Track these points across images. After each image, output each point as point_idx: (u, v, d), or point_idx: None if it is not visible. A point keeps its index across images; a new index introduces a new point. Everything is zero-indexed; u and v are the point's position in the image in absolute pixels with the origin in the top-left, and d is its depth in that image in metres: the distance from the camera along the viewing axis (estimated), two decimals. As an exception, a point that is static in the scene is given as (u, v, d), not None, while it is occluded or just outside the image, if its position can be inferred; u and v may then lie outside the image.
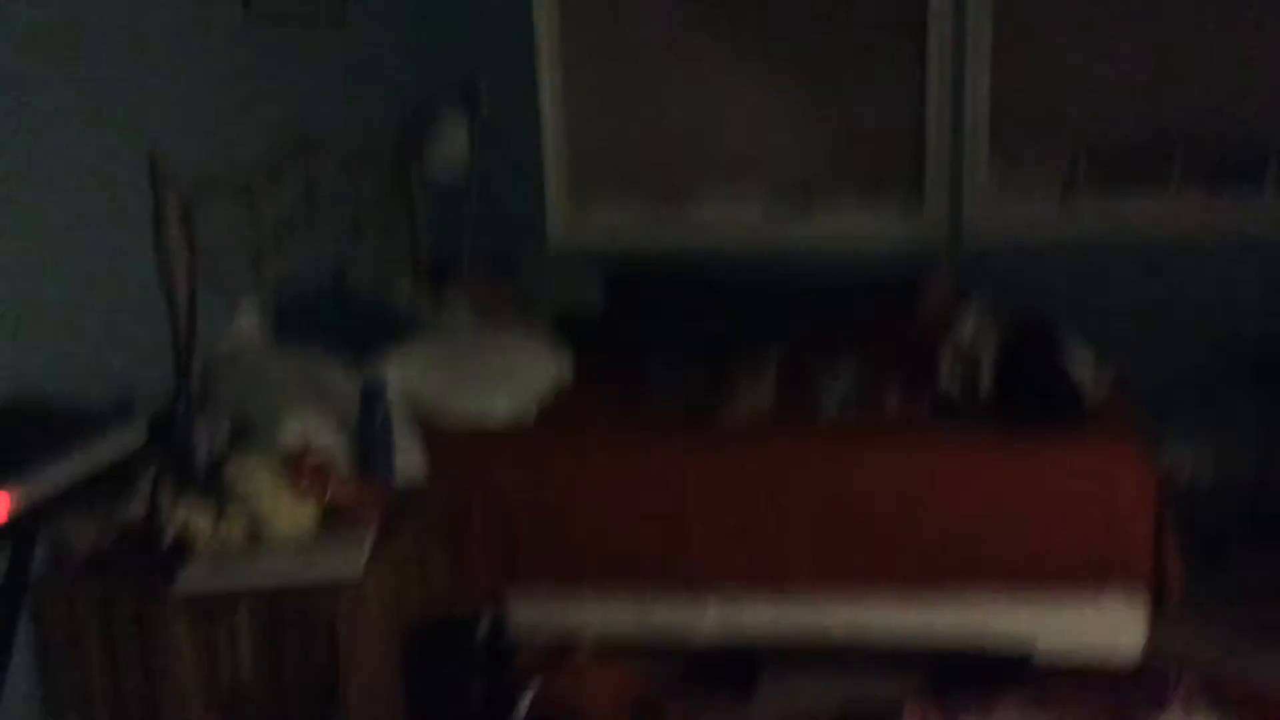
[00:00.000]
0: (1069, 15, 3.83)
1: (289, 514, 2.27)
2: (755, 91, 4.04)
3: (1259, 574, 3.31)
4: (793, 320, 3.51)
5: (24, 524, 1.66)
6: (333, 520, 2.32)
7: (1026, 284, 3.84)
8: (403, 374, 2.88)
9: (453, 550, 2.68)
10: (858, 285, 3.84)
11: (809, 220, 4.11)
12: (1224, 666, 2.69)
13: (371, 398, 2.47)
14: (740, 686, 2.81)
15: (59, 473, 1.70)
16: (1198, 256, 3.86)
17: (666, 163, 4.13)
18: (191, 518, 2.20)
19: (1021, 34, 3.85)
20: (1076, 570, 2.68)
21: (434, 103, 3.89)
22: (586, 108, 4.13)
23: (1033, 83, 3.89)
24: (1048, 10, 3.84)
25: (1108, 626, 2.72)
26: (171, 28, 2.65)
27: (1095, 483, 2.66)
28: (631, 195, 4.17)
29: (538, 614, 2.82)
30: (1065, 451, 2.71)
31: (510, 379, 2.98)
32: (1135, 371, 3.25)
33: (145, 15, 2.55)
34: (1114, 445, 2.72)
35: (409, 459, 2.63)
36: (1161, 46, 3.80)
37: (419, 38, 4.01)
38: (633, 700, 2.52)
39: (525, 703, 2.48)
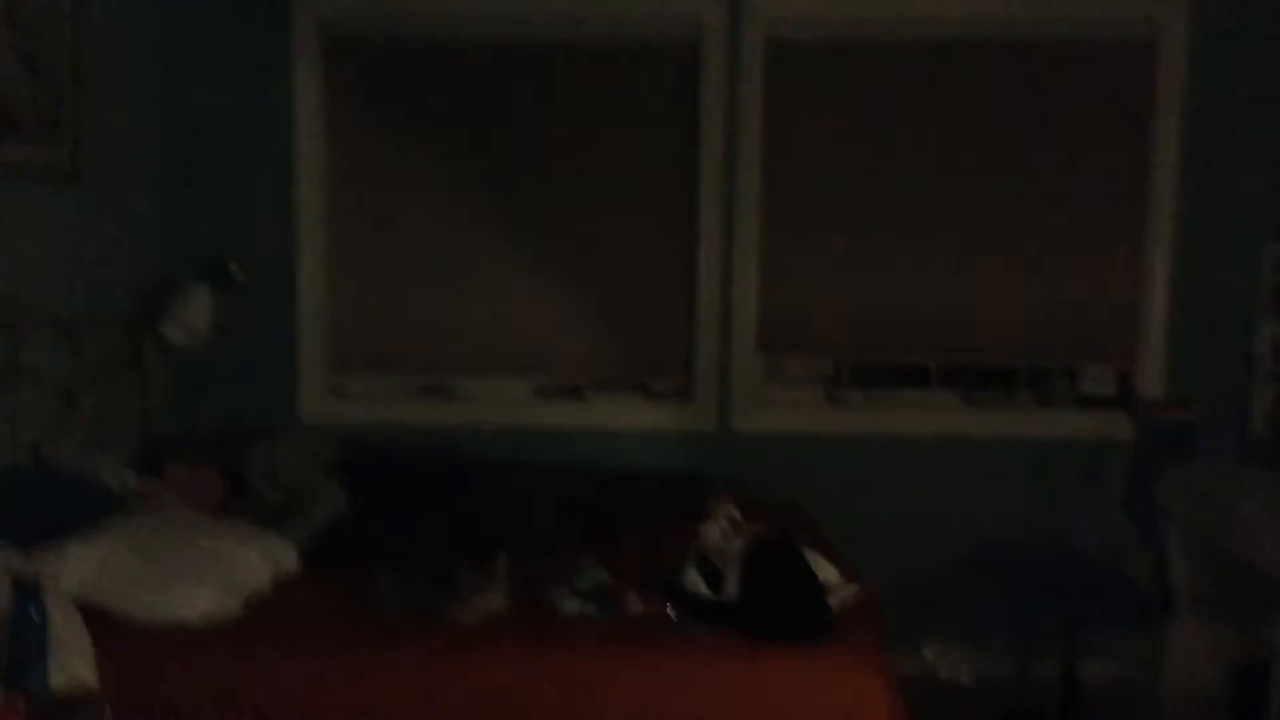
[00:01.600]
0: (833, 229, 3.96)
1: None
2: (526, 281, 4.00)
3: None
4: (544, 513, 3.35)
5: None
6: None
7: (790, 475, 3.83)
8: (84, 562, 2.57)
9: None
10: (625, 474, 3.74)
11: (577, 406, 4.03)
12: None
13: (23, 595, 2.17)
14: None
15: None
16: (954, 457, 3.94)
17: (432, 344, 4.01)
18: None
19: (786, 245, 3.96)
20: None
21: (181, 268, 3.68)
22: (348, 283, 3.99)
23: (798, 290, 3.99)
24: (812, 222, 3.96)
25: None
26: None
27: (834, 700, 2.53)
28: (394, 372, 4.02)
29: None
30: (805, 666, 2.57)
31: (211, 571, 2.69)
32: (895, 570, 3.23)
33: None
34: (854, 661, 2.59)
35: (72, 663, 2.31)
36: (921, 269, 3.96)
37: (167, 199, 3.83)
38: None
39: None
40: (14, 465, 2.95)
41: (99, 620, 2.50)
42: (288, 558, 2.93)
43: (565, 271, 3.99)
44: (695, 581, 2.86)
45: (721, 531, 2.98)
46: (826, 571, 2.90)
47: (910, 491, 3.94)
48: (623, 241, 3.99)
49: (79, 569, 2.57)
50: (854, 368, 4.09)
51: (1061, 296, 3.92)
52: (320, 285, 3.95)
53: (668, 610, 2.79)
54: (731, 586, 2.81)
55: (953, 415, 4.01)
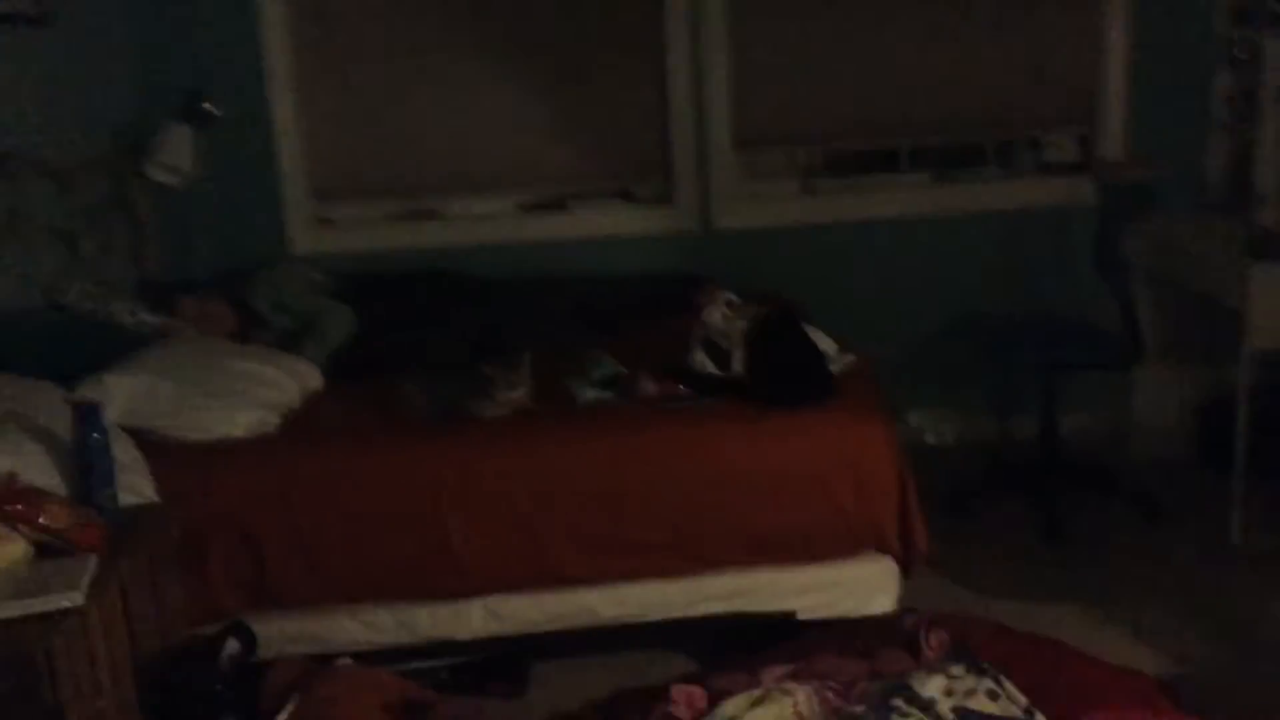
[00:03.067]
0: (799, 15, 3.98)
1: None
2: (502, 94, 4.01)
3: (1000, 525, 3.54)
4: (549, 316, 3.49)
5: None
6: (50, 551, 2.13)
7: (773, 268, 3.97)
8: (125, 391, 2.68)
9: (192, 573, 2.52)
10: (613, 279, 3.87)
11: (562, 217, 4.12)
12: (967, 614, 2.82)
13: (85, 418, 2.28)
14: (511, 682, 2.76)
15: None
16: (928, 234, 4.09)
17: (412, 166, 4.05)
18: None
19: (754, 36, 3.98)
20: (830, 536, 2.76)
21: (156, 110, 3.67)
22: (324, 111, 4.00)
23: (769, 83, 4.03)
24: (778, 9, 3.98)
25: (862, 587, 2.81)
26: None
27: (843, 453, 2.75)
28: (378, 199, 4.07)
29: (292, 630, 2.67)
30: (814, 425, 2.78)
31: (247, 393, 2.82)
32: (879, 346, 3.41)
33: None
34: (858, 417, 2.81)
35: (133, 480, 2.45)
36: (887, 48, 4.01)
37: (139, 41, 3.78)
38: (398, 705, 2.42)
39: (282, 724, 2.35)
40: (31, 310, 3.01)
41: (145, 443, 2.64)
42: (313, 375, 3.06)
43: (540, 82, 4.01)
44: (703, 361, 3.03)
45: (723, 314, 3.13)
46: (824, 343, 3.08)
47: (888, 271, 4.10)
48: (594, 47, 3.99)
49: (119, 398, 2.68)
50: (827, 158, 4.19)
51: (1021, 64, 4.00)
52: (296, 115, 3.95)
53: (679, 389, 2.97)
54: (738, 363, 2.98)
55: (924, 194, 4.14)
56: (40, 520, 2.13)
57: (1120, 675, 2.31)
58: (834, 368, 3.01)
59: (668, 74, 3.99)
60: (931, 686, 2.09)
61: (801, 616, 2.78)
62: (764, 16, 3.98)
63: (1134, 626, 2.93)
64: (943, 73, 4.03)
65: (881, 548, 2.78)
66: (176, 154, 3.58)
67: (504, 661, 2.80)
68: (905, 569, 2.83)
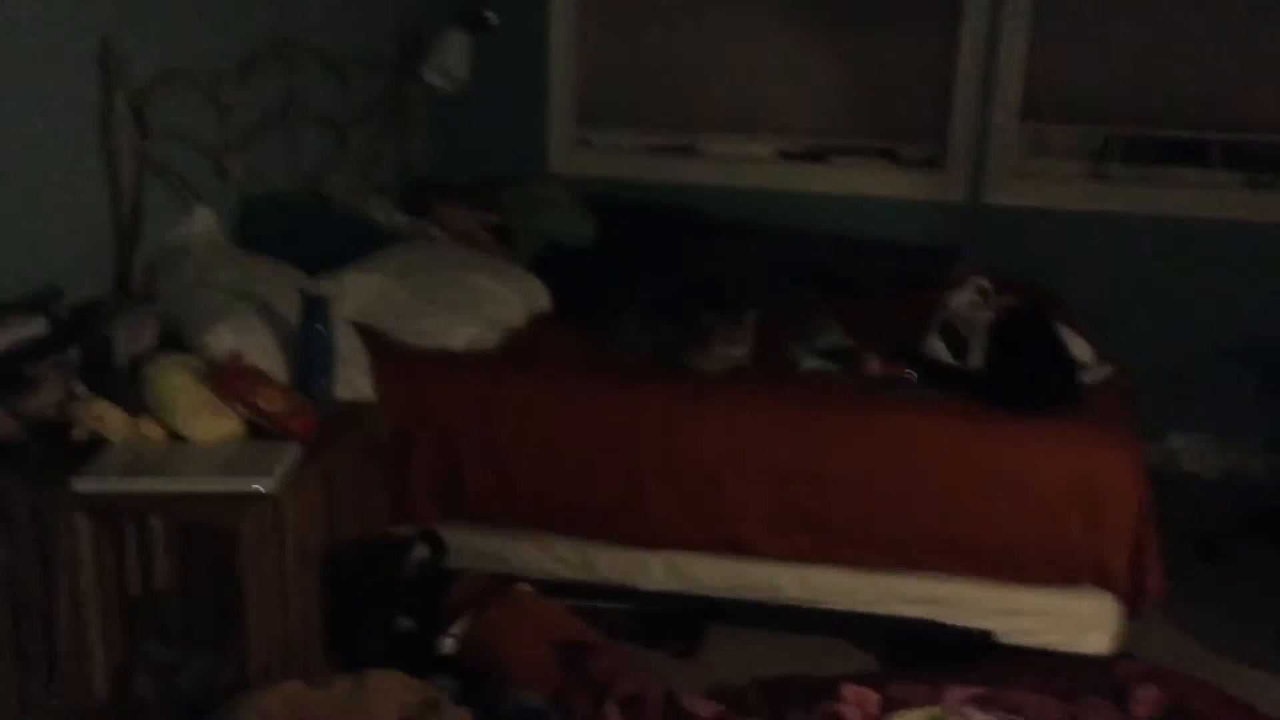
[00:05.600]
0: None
1: (210, 422, 2.17)
2: (776, 36, 3.85)
3: (1254, 574, 3.16)
4: (787, 272, 3.35)
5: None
6: (260, 433, 2.22)
7: (1042, 255, 3.66)
8: (361, 289, 2.76)
9: (394, 475, 2.58)
10: (866, 250, 3.67)
11: (821, 170, 3.94)
12: (1191, 675, 2.53)
13: (313, 310, 2.35)
14: (684, 640, 2.70)
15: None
16: (1226, 242, 3.66)
17: (679, 99, 3.97)
18: (105, 414, 2.10)
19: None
20: (1047, 559, 2.52)
21: (437, 14, 3.74)
22: (598, 34, 3.96)
23: (1071, 49, 3.68)
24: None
25: (1075, 622, 2.56)
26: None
27: (1078, 472, 2.49)
28: (639, 128, 4.02)
29: (481, 547, 2.70)
30: (1050, 436, 2.53)
31: (474, 306, 2.85)
32: (1147, 355, 3.09)
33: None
34: (1100, 435, 2.53)
35: (354, 377, 2.52)
36: (1208, 29, 3.57)
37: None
38: (563, 643, 2.41)
39: (452, 637, 2.38)
40: (293, 196, 3.14)
41: (372, 343, 2.71)
42: (542, 298, 3.06)
43: (818, 24, 3.82)
44: (938, 348, 2.82)
45: (970, 301, 2.91)
46: (1080, 348, 2.80)
47: (1171, 276, 3.70)
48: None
49: (357, 295, 2.76)
50: (1125, 142, 3.80)
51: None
52: (570, 33, 3.94)
53: (906, 373, 2.78)
54: (976, 356, 2.76)
55: (1232, 197, 3.69)
56: (256, 401, 2.22)
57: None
58: (1086, 377, 2.73)
59: (960, 30, 3.71)
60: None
61: (1000, 639, 2.57)
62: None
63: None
64: (1269, 64, 3.55)
65: (1104, 582, 2.52)
66: (452, 60, 3.64)
67: (682, 619, 2.74)
68: (1130, 610, 2.55)
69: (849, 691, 2.36)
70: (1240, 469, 3.75)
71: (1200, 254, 3.68)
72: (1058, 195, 3.80)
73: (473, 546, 2.68)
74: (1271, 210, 3.66)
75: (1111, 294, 3.63)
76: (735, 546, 2.61)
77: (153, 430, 2.14)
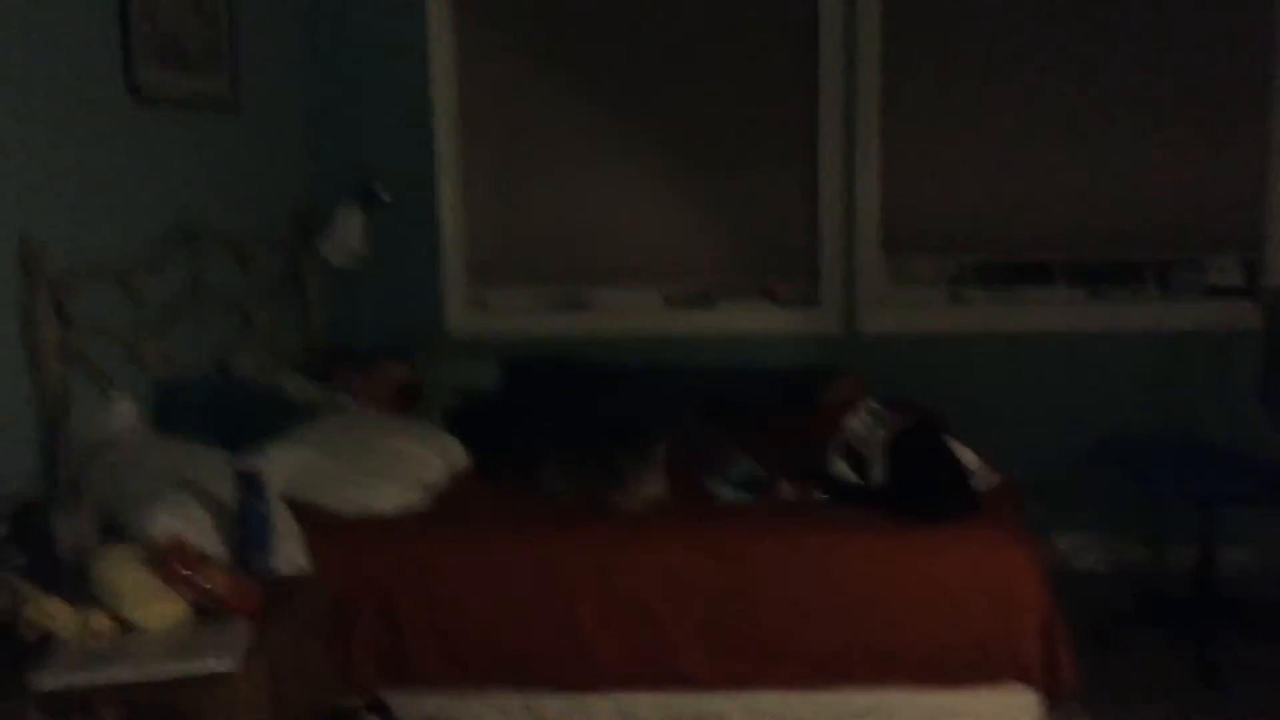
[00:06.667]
0: (955, 123, 3.99)
1: (158, 607, 2.17)
2: (654, 187, 4.12)
3: (1151, 661, 3.38)
4: (690, 411, 3.51)
5: None
6: (206, 614, 2.22)
7: (917, 375, 3.93)
8: (285, 463, 2.80)
9: (336, 645, 2.58)
10: (755, 377, 3.88)
11: (706, 314, 4.17)
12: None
13: (248, 486, 2.39)
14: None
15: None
16: (1080, 352, 4.00)
17: (566, 254, 4.17)
18: (54, 612, 2.08)
19: (907, 140, 4.01)
20: (968, 661, 2.67)
21: (329, 191, 3.87)
22: (486, 198, 4.16)
23: (920, 188, 4.04)
24: (933, 117, 3.99)
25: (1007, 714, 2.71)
26: (52, 111, 2.61)
27: (984, 574, 2.67)
28: (531, 284, 4.20)
29: (428, 709, 2.71)
30: (955, 542, 2.72)
31: (398, 469, 2.91)
32: (1025, 464, 3.31)
33: (22, 98, 2.51)
34: (1002, 536, 2.73)
35: (289, 550, 2.54)
36: (1043, 160, 3.98)
37: (315, 126, 4.01)
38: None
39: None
40: (205, 378, 3.18)
41: (300, 514, 2.73)
42: (461, 455, 3.14)
43: (689, 179, 4.10)
44: (843, 470, 3.01)
45: (864, 422, 3.11)
46: (968, 457, 3.02)
47: (1037, 388, 4.01)
48: (746, 147, 4.07)
49: (281, 468, 2.79)
50: (977, 267, 4.15)
51: (1185, 184, 3.92)
52: (459, 201, 4.12)
53: (818, 496, 2.94)
54: (878, 473, 2.95)
55: (1078, 310, 4.06)
56: (201, 583, 2.23)
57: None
58: (978, 485, 2.95)
59: (819, 173, 4.03)
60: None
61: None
62: (919, 121, 4.00)
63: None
64: (1102, 188, 3.97)
65: (1023, 678, 2.68)
66: (347, 235, 3.76)
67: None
68: (1049, 700, 2.71)
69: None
70: (1125, 560, 4.01)
71: (1054, 365, 4.01)
72: (922, 320, 4.10)
73: (420, 709, 2.69)
74: (1111, 320, 4.02)
75: (983, 408, 3.85)
76: (677, 680, 2.68)
77: (101, 622, 2.12)
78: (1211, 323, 3.95)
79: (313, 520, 2.73)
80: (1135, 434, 3.90)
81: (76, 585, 2.15)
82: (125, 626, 2.14)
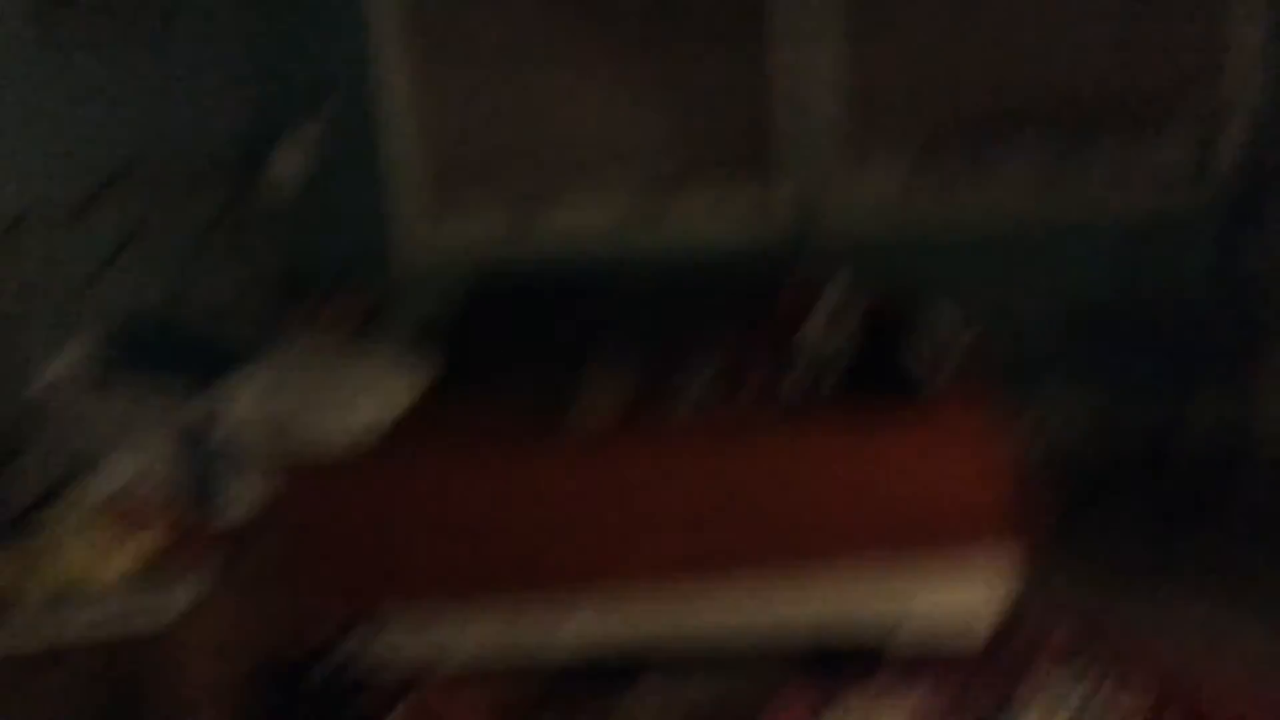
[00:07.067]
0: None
1: (110, 556, 2.18)
2: (595, 83, 3.98)
3: (1136, 518, 3.39)
4: (651, 320, 3.47)
5: None
6: (158, 562, 2.22)
7: (885, 261, 3.86)
8: (241, 400, 2.78)
9: (302, 580, 2.60)
10: (714, 279, 3.80)
11: (663, 214, 4.09)
12: (1094, 618, 2.73)
13: (198, 431, 2.37)
14: (614, 692, 2.77)
15: None
16: (1053, 226, 3.92)
17: (516, 164, 4.07)
18: (2, 568, 2.09)
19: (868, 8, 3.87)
20: (945, 524, 2.70)
21: (272, 118, 3.77)
22: (437, 115, 4.04)
23: (881, 63, 3.90)
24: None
25: (973, 588, 2.74)
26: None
27: (960, 437, 2.71)
28: (485, 200, 4.11)
29: (398, 639, 2.74)
30: (930, 410, 2.76)
31: (359, 398, 2.90)
32: (1008, 333, 3.27)
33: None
34: (959, 417, 2.76)
35: (245, 490, 2.54)
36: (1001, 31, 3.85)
37: (250, 51, 3.88)
38: (504, 712, 2.47)
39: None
40: (154, 321, 3.14)
41: (263, 450, 2.72)
42: (423, 376, 3.11)
43: (636, 68, 3.95)
44: (805, 368, 2.99)
45: (825, 323, 3.07)
46: (942, 327, 2.97)
47: (1002, 261, 3.95)
48: (692, 26, 3.92)
49: (240, 407, 2.78)
50: (942, 141, 4.02)
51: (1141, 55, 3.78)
52: (410, 115, 4.01)
53: (782, 391, 2.93)
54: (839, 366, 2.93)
55: (1045, 179, 3.97)
56: (151, 532, 2.23)
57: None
58: (939, 359, 2.91)
59: (769, 48, 3.89)
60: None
61: (905, 634, 2.74)
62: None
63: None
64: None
65: (999, 535, 2.70)
66: (294, 161, 3.67)
67: (605, 673, 2.81)
68: (1023, 559, 2.74)
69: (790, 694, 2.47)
70: (1115, 415, 3.98)
71: (1025, 239, 3.92)
72: (886, 204, 3.99)
73: (390, 641, 2.71)
74: (1069, 197, 3.92)
75: (948, 283, 3.81)
76: (644, 575, 2.70)
77: (52, 577, 2.13)
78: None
79: (275, 455, 2.73)
80: (1117, 298, 3.86)
81: (27, 539, 2.15)
82: (77, 580, 2.15)
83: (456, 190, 4.10)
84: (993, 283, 3.93)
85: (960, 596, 2.73)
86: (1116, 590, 2.99)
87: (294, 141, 3.66)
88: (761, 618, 2.75)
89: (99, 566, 2.16)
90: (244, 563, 2.32)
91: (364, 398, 2.92)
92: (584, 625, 2.76)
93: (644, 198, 4.09)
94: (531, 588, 2.73)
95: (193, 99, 3.53)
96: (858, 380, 2.91)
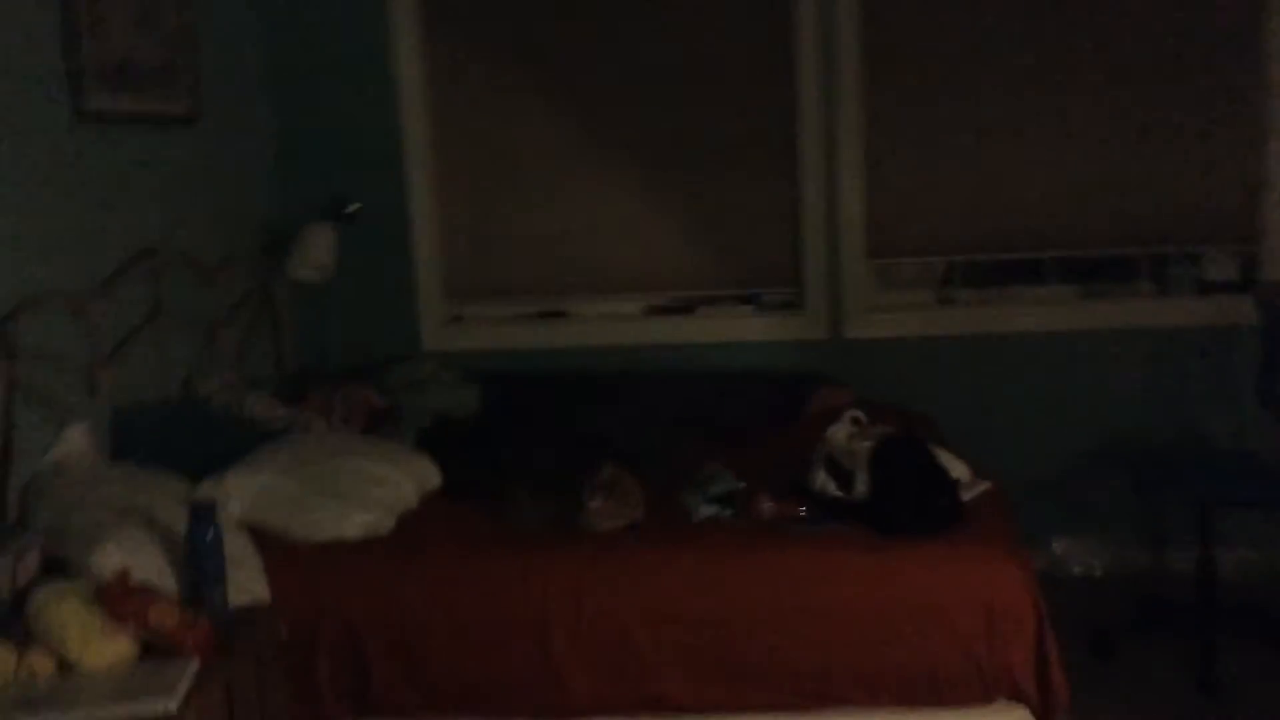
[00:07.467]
0: (940, 121, 3.89)
1: (102, 646, 2.08)
2: (632, 198, 4.02)
3: (1151, 670, 3.28)
4: (667, 424, 3.42)
5: None
6: (154, 652, 2.13)
7: (906, 381, 3.83)
8: (246, 489, 2.71)
9: (298, 676, 2.50)
10: (738, 387, 3.78)
11: (687, 321, 4.08)
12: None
13: (200, 518, 2.30)
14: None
15: None
16: (1073, 352, 3.90)
17: (544, 266, 4.08)
18: (-11, 655, 2.00)
19: (890, 140, 3.91)
20: (958, 680, 2.56)
21: (298, 208, 3.79)
22: (459, 211, 4.07)
23: (905, 190, 3.94)
24: (917, 115, 3.90)
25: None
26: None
27: (972, 589, 2.56)
28: (508, 299, 4.11)
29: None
30: (941, 558, 2.61)
31: (365, 493, 2.82)
32: (1020, 468, 3.22)
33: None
34: (989, 550, 2.62)
35: (246, 581, 2.45)
36: (1031, 152, 3.88)
37: (281, 142, 3.93)
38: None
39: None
40: (168, 403, 3.09)
41: (264, 541, 2.65)
42: (431, 477, 3.05)
43: (669, 187, 4.01)
44: (824, 482, 2.91)
45: (848, 433, 3.01)
46: (957, 469, 2.92)
47: (1030, 389, 3.91)
48: (726, 153, 3.98)
49: (243, 495, 2.71)
50: (965, 268, 4.06)
51: (1178, 177, 3.81)
52: (432, 215, 4.03)
53: (799, 511, 2.85)
54: (861, 485, 2.85)
55: (1070, 309, 3.96)
56: (148, 619, 2.14)
57: None
58: (966, 495, 2.85)
59: (800, 176, 3.94)
60: None
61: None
62: (902, 121, 3.90)
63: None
64: (1095, 180, 3.86)
65: (1015, 696, 2.58)
66: (317, 252, 3.68)
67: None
68: (1044, 718, 2.61)
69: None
70: (1123, 564, 3.90)
71: (1047, 365, 3.90)
72: (910, 323, 4.00)
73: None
74: (1105, 317, 3.91)
75: (974, 411, 3.79)
76: (654, 705, 2.58)
77: (42, 663, 2.04)
78: (1207, 319, 3.84)
79: (275, 547, 2.65)
80: (1131, 435, 3.80)
81: (16, 626, 2.06)
82: (66, 667, 2.06)
83: (480, 289, 4.10)
84: (1019, 403, 3.90)
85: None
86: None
87: (318, 235, 3.68)
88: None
89: (93, 652, 2.06)
90: (242, 655, 2.22)
91: (372, 494, 2.85)
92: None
93: (671, 301, 4.08)
94: (534, 703, 2.61)
95: (222, 184, 3.55)
96: (880, 506, 2.81)
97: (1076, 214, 3.89)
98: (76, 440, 2.64)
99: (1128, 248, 3.95)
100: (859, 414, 3.10)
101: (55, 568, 2.27)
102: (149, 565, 2.30)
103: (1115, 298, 3.96)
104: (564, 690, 2.58)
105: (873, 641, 2.56)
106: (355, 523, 2.75)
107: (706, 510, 2.87)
